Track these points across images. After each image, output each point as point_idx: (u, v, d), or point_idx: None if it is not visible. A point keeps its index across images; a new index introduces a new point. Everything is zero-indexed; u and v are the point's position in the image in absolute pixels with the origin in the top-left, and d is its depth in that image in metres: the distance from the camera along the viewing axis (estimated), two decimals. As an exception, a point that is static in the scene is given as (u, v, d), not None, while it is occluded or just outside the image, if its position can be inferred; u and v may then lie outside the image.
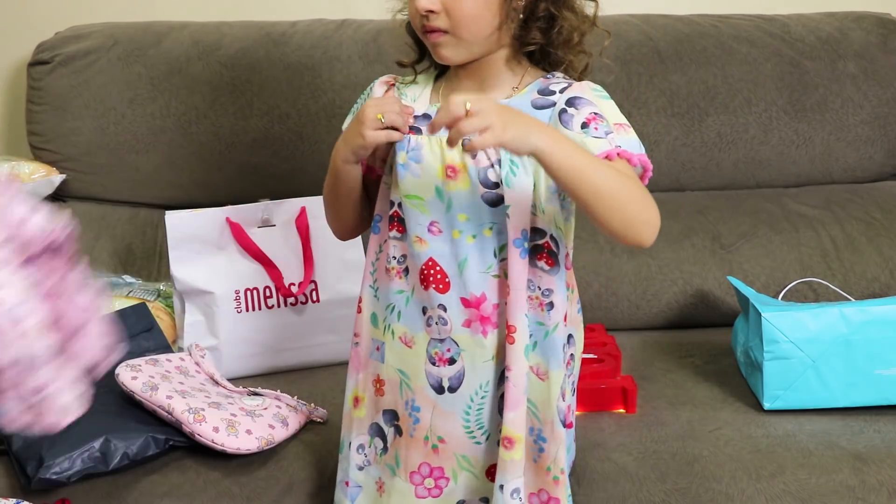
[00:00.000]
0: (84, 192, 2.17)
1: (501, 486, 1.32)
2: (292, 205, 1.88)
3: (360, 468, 1.42)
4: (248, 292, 1.83)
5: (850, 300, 1.94)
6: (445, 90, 1.38)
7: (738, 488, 1.51)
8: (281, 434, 1.55)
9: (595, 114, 1.29)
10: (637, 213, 1.26)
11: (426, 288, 1.34)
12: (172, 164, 2.13)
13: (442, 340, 1.35)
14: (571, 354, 1.39)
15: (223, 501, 1.51)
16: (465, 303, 1.33)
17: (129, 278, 1.97)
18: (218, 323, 1.81)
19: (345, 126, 1.42)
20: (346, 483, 1.43)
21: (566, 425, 1.37)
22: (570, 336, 1.38)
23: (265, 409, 1.59)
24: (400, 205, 1.36)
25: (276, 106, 2.11)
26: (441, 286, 1.34)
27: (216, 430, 1.50)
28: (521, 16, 1.30)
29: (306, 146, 2.11)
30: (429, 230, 1.34)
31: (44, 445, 1.46)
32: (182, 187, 2.14)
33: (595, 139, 1.26)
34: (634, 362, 1.84)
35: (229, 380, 1.70)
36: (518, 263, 1.30)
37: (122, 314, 1.79)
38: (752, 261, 2.05)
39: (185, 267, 1.81)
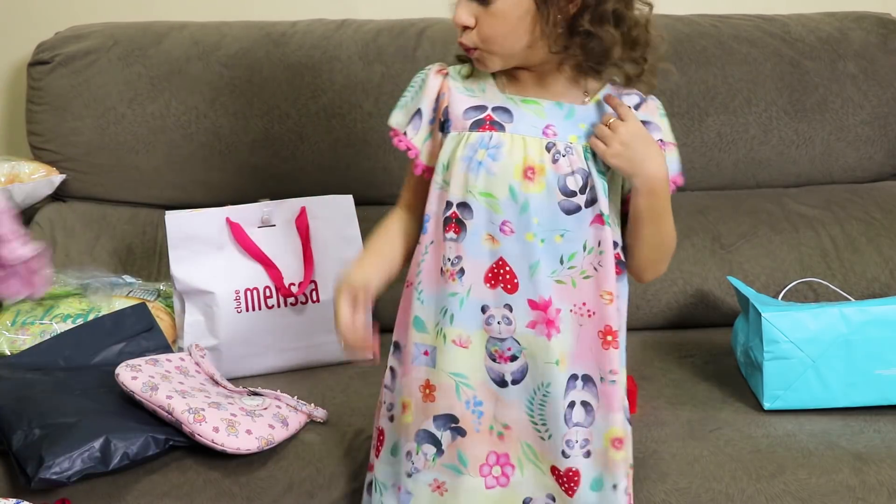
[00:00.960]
0: (84, 192, 2.17)
1: (615, 486, 1.35)
2: (292, 205, 1.88)
3: (409, 475, 1.39)
4: (248, 292, 1.83)
5: (850, 300, 1.94)
6: (510, 86, 1.36)
7: (738, 488, 1.51)
8: (281, 434, 1.55)
9: (661, 141, 1.35)
10: (664, 267, 1.41)
11: (493, 287, 1.33)
12: (172, 164, 2.13)
13: (503, 340, 1.34)
14: None
15: (223, 501, 1.51)
16: (533, 305, 1.32)
17: (129, 278, 1.97)
18: (218, 323, 1.81)
19: (391, 121, 1.41)
20: (398, 488, 1.41)
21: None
22: None
23: (265, 409, 1.59)
24: (460, 205, 1.34)
25: (276, 106, 2.11)
26: (510, 286, 1.33)
27: (216, 430, 1.50)
28: (561, 31, 1.28)
29: (306, 146, 2.11)
30: (501, 229, 1.33)
31: (44, 445, 1.46)
32: (182, 187, 2.14)
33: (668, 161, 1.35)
34: (634, 362, 1.83)
35: (229, 380, 1.70)
36: (613, 272, 1.34)
37: (122, 314, 1.79)
38: (752, 261, 2.05)
39: (185, 267, 1.81)
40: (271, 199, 1.90)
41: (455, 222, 1.34)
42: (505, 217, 1.32)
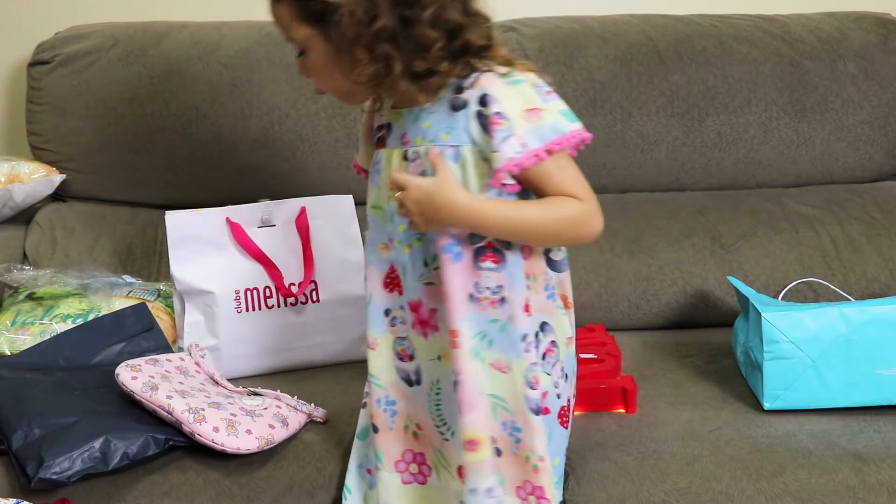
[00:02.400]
0: (84, 192, 2.17)
1: (474, 490, 1.34)
2: (292, 205, 1.88)
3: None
4: (248, 292, 1.83)
5: (850, 300, 1.94)
6: (395, 100, 1.41)
7: (738, 488, 1.51)
8: (281, 434, 1.55)
9: (497, 114, 1.29)
10: (572, 237, 1.35)
11: (391, 291, 1.42)
12: (172, 164, 2.13)
13: (403, 338, 1.43)
14: (553, 341, 1.40)
15: (223, 501, 1.51)
16: (410, 307, 1.41)
17: (129, 278, 1.97)
18: (218, 323, 1.81)
19: (357, 155, 1.51)
20: (368, 471, 1.48)
21: (541, 412, 1.37)
22: (543, 324, 1.39)
23: (265, 409, 1.59)
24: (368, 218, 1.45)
25: (276, 106, 2.11)
26: (399, 289, 1.41)
27: (216, 429, 1.50)
28: (364, 62, 1.30)
29: (306, 146, 2.11)
30: (389, 238, 1.41)
31: (44, 445, 1.46)
32: (182, 187, 2.14)
33: (494, 153, 1.29)
34: (634, 362, 1.84)
35: (229, 380, 1.70)
36: (451, 269, 1.34)
37: (122, 314, 1.79)
38: (752, 261, 2.05)
39: (185, 267, 1.81)
40: (271, 199, 1.90)
41: (362, 234, 1.46)
42: (389, 227, 1.40)
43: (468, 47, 1.30)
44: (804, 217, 2.11)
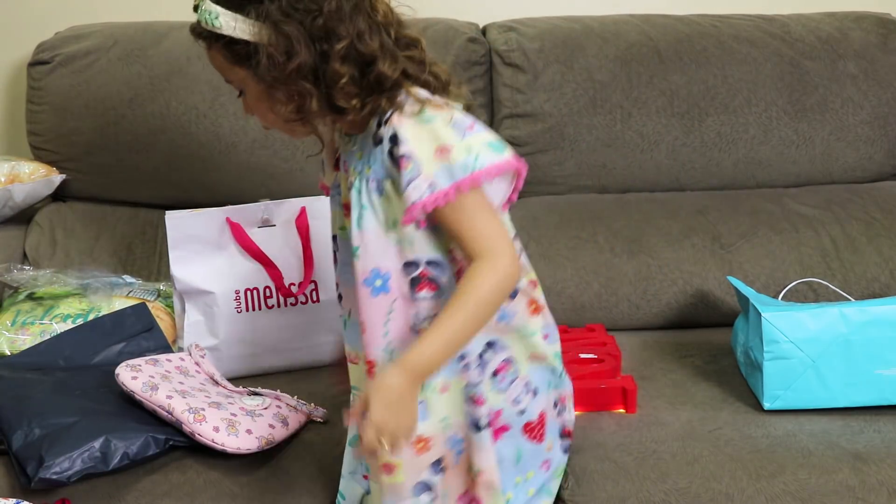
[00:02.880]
0: (84, 192, 2.17)
1: None
2: (292, 205, 1.88)
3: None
4: (248, 292, 1.83)
5: (850, 300, 1.94)
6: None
7: (738, 488, 1.51)
8: (281, 433, 1.55)
9: (404, 156, 1.27)
10: (501, 300, 1.31)
11: None
12: (172, 164, 2.13)
13: None
14: (506, 359, 1.37)
15: (223, 501, 1.51)
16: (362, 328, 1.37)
17: (129, 278, 1.97)
18: (218, 323, 1.81)
19: (322, 175, 1.50)
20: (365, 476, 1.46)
21: (486, 427, 1.36)
22: (488, 343, 1.36)
23: (265, 408, 1.59)
24: (334, 238, 1.44)
25: (276, 106, 2.11)
26: None
27: (216, 429, 1.50)
28: (285, 105, 1.31)
29: (306, 146, 2.08)
30: (353, 258, 1.37)
31: (44, 445, 1.47)
32: (182, 187, 2.14)
33: (403, 193, 1.27)
34: (634, 362, 1.84)
35: (229, 380, 1.70)
36: (370, 304, 1.32)
37: (122, 314, 1.80)
38: (752, 261, 2.05)
39: (185, 267, 1.81)
40: (271, 199, 1.90)
41: (335, 253, 1.44)
42: (349, 246, 1.37)
43: (381, 79, 1.29)
44: (804, 217, 2.11)
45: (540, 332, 1.40)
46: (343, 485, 1.48)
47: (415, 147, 1.27)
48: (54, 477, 1.44)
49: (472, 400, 1.36)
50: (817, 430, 1.61)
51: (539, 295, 1.41)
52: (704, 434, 1.61)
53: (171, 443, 1.53)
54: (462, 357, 1.35)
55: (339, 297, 1.44)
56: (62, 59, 2.13)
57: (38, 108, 2.15)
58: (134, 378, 1.56)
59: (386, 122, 1.30)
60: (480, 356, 1.36)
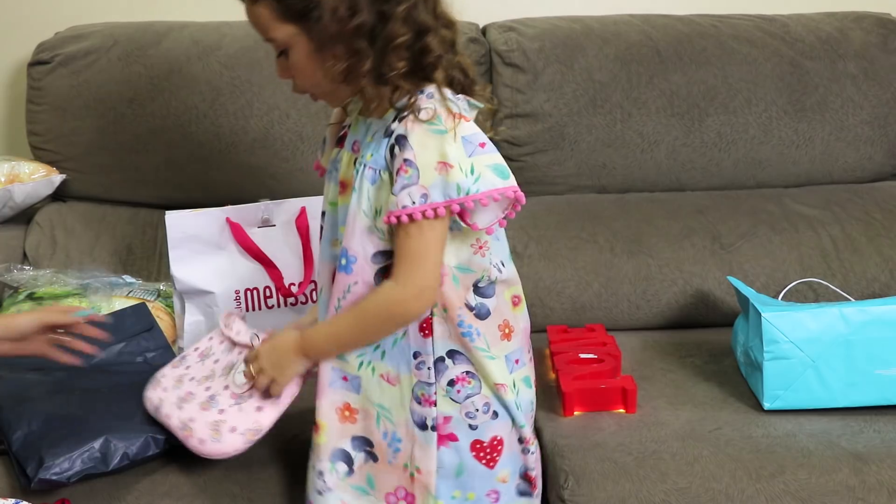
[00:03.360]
0: (84, 192, 2.17)
1: (312, 467, 1.45)
2: (292, 205, 1.88)
3: (320, 493, 1.44)
4: (248, 292, 1.83)
5: (850, 300, 1.94)
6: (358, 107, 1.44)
7: (738, 488, 1.51)
8: (271, 415, 1.49)
9: (406, 161, 1.29)
10: (391, 324, 1.37)
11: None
12: (172, 164, 2.13)
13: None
14: (468, 373, 1.38)
15: (223, 501, 1.51)
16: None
17: (129, 278, 1.97)
18: (218, 323, 1.81)
19: (319, 154, 1.53)
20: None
21: (432, 430, 1.38)
22: (451, 352, 1.38)
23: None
24: (322, 214, 1.47)
25: (276, 106, 2.11)
26: None
27: (202, 441, 1.48)
28: (343, 63, 1.31)
29: (306, 146, 2.11)
30: (338, 236, 1.41)
31: (44, 446, 1.47)
32: (182, 187, 2.14)
33: (392, 195, 1.31)
34: (634, 362, 1.84)
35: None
36: (337, 276, 1.39)
37: (122, 314, 1.79)
38: (752, 261, 2.05)
39: (185, 267, 1.81)
40: (271, 199, 1.90)
41: (321, 229, 1.47)
42: (337, 224, 1.41)
43: (427, 52, 1.30)
44: (804, 217, 2.11)
45: (503, 359, 1.40)
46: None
47: (418, 155, 1.29)
48: (54, 477, 1.44)
49: (423, 399, 1.38)
50: (817, 430, 1.61)
51: (518, 316, 1.42)
52: (704, 434, 1.61)
53: (171, 443, 1.53)
54: (416, 354, 1.37)
55: (317, 272, 1.50)
56: (62, 59, 2.13)
57: (38, 108, 2.15)
58: (149, 399, 1.55)
59: (401, 119, 1.31)
60: (438, 361, 1.38)
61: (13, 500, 1.43)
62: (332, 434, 1.42)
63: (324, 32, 1.28)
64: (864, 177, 2.23)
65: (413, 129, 1.30)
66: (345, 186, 1.39)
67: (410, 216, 1.29)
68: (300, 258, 1.86)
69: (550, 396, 1.71)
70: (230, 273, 1.82)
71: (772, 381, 1.65)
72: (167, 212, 1.82)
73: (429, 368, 1.37)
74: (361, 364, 1.40)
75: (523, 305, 1.44)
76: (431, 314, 1.37)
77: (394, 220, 1.30)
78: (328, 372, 1.42)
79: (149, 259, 2.07)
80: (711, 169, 2.19)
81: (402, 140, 1.30)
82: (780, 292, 2.00)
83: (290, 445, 1.59)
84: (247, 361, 1.46)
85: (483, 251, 1.38)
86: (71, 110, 2.13)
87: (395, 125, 1.32)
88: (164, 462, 1.54)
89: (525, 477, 1.46)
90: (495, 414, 1.41)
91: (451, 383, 1.38)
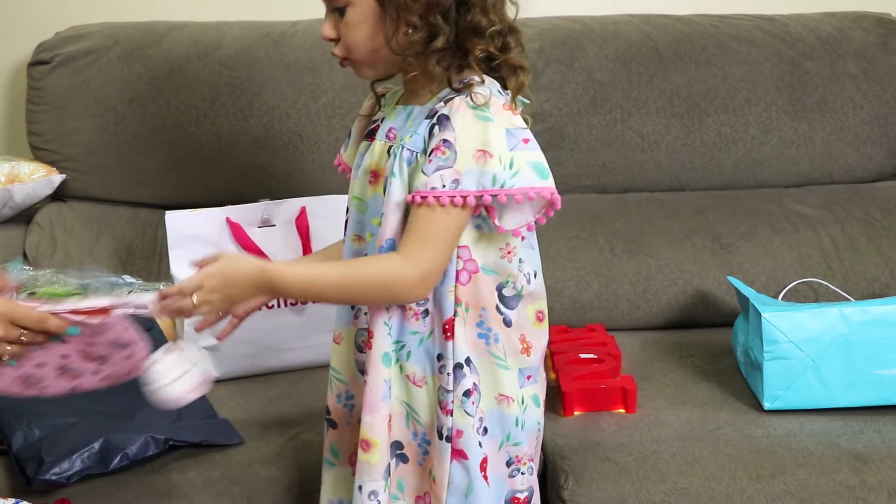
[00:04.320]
0: (84, 192, 2.17)
1: (360, 487, 1.35)
2: (292, 205, 1.88)
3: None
4: (248, 292, 1.83)
5: (850, 300, 1.94)
6: (400, 97, 1.40)
7: (738, 488, 1.51)
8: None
9: (444, 141, 1.26)
10: (380, 297, 1.31)
11: None
12: (172, 164, 2.13)
13: (365, 329, 1.38)
14: (476, 385, 1.33)
15: (223, 501, 1.51)
16: None
17: (129, 278, 1.96)
18: (218, 323, 1.81)
19: (342, 150, 1.48)
20: None
21: (444, 439, 1.33)
22: (468, 359, 1.33)
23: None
24: (349, 209, 1.42)
25: (276, 106, 2.11)
26: None
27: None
28: (409, 31, 1.28)
29: (306, 146, 2.11)
30: (364, 230, 1.38)
31: (44, 446, 1.47)
32: (182, 187, 2.14)
33: (422, 174, 1.26)
34: (634, 362, 1.84)
35: (230, 380, 1.70)
36: None
37: (122, 314, 1.79)
38: (752, 261, 2.05)
39: (185, 267, 1.81)
40: (271, 199, 1.90)
41: (346, 224, 1.41)
42: (365, 218, 1.37)
43: (507, 47, 1.31)
44: (804, 217, 2.11)
45: (517, 371, 1.35)
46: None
47: (459, 138, 1.26)
48: (54, 478, 1.44)
49: (443, 406, 1.33)
50: (817, 430, 1.61)
51: (539, 333, 1.37)
52: (704, 434, 1.61)
53: (170, 443, 1.53)
54: (440, 357, 1.33)
55: None
56: (62, 59, 2.13)
57: (38, 108, 2.15)
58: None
59: (447, 101, 1.28)
60: (456, 367, 1.33)
61: (13, 500, 1.43)
62: (384, 450, 1.35)
63: (398, 4, 1.27)
64: (864, 177, 2.23)
65: (459, 111, 1.27)
66: (376, 176, 1.35)
67: (438, 199, 1.25)
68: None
69: (550, 396, 1.70)
70: (230, 273, 1.82)
71: (772, 381, 1.65)
72: (167, 212, 1.82)
73: (448, 374, 1.32)
74: (391, 362, 1.34)
75: (546, 322, 1.39)
76: (455, 314, 1.32)
77: (419, 199, 1.26)
78: (381, 385, 1.33)
79: (149, 259, 2.07)
80: (711, 169, 2.19)
81: (444, 120, 1.27)
82: (780, 292, 2.00)
83: (290, 445, 1.59)
84: (185, 292, 1.31)
85: (510, 256, 1.33)
86: (71, 110, 2.13)
87: (439, 105, 1.29)
88: (164, 462, 1.54)
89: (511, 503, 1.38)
90: (485, 430, 1.35)
91: (467, 394, 1.32)
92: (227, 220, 1.84)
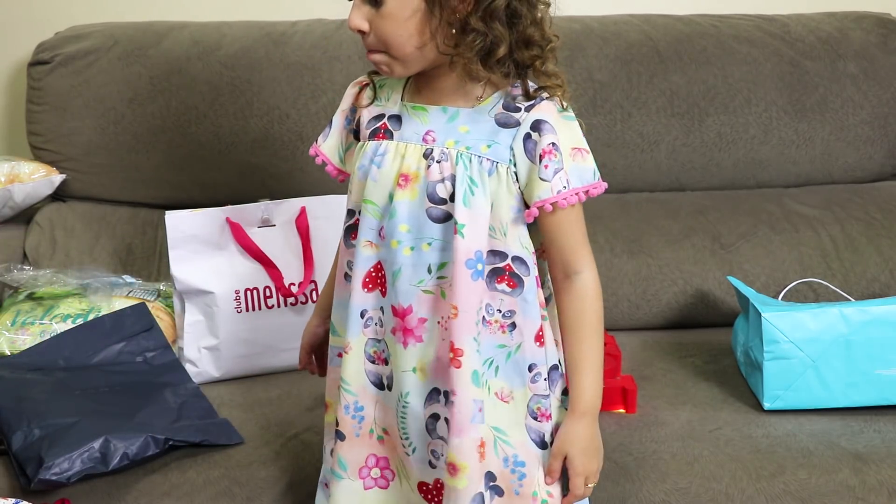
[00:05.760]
0: (84, 192, 2.17)
1: None
2: (292, 205, 1.88)
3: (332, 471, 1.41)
4: (248, 292, 1.83)
5: (850, 300, 1.94)
6: (409, 94, 1.34)
7: (738, 488, 1.51)
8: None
9: (553, 144, 1.25)
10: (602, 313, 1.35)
11: (370, 290, 1.32)
12: (172, 164, 2.13)
13: (379, 341, 1.33)
14: (563, 375, 1.34)
15: (223, 501, 1.51)
16: (394, 311, 1.30)
17: (129, 278, 1.97)
18: (218, 323, 1.81)
19: (321, 140, 1.41)
20: (326, 485, 1.42)
21: (549, 445, 1.31)
22: (560, 362, 1.34)
23: None
24: (359, 212, 1.33)
25: (276, 106, 2.11)
26: (383, 290, 1.32)
27: None
28: (454, 31, 1.24)
29: (306, 146, 2.11)
30: (379, 235, 1.31)
31: (44, 446, 1.47)
32: (182, 187, 2.14)
33: (542, 182, 1.25)
34: (634, 362, 1.84)
35: (229, 379, 1.70)
36: (468, 286, 1.26)
37: (122, 314, 1.80)
38: (752, 261, 2.05)
39: (185, 267, 1.81)
40: (271, 199, 1.90)
41: (355, 229, 1.33)
42: (381, 223, 1.31)
43: (553, 54, 1.31)
44: (804, 217, 2.11)
45: (519, 362, 1.32)
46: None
47: (561, 140, 1.26)
48: (54, 478, 1.44)
49: (538, 414, 1.31)
50: (817, 430, 1.61)
51: (547, 321, 1.35)
52: (704, 434, 1.61)
53: (170, 443, 1.53)
54: (531, 367, 1.30)
55: (347, 276, 1.36)
56: (62, 59, 2.13)
57: (38, 108, 2.15)
58: None
59: (529, 108, 1.27)
60: (552, 369, 1.32)
61: (13, 500, 1.43)
62: (473, 476, 1.28)
63: (448, 2, 1.22)
64: (864, 177, 2.23)
65: (552, 113, 1.27)
66: (407, 180, 1.28)
67: (577, 196, 1.26)
68: (300, 258, 1.86)
69: (550, 396, 1.71)
70: (230, 273, 1.82)
71: (772, 381, 1.65)
72: (167, 212, 1.82)
73: (545, 379, 1.30)
74: (479, 381, 1.28)
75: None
76: (543, 318, 1.31)
77: (566, 202, 1.25)
78: (470, 406, 1.27)
79: (149, 259, 2.08)
80: (711, 169, 2.19)
81: (542, 125, 1.25)
82: (780, 292, 2.00)
83: (290, 445, 1.59)
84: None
85: (544, 255, 1.33)
86: (71, 110, 2.13)
87: (521, 115, 1.26)
88: (164, 462, 1.54)
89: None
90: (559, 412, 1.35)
91: (565, 392, 1.32)
92: (227, 220, 1.84)
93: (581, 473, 1.30)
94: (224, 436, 1.59)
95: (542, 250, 1.33)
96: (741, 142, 2.17)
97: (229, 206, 1.86)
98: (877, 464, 1.53)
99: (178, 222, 1.81)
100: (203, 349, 1.81)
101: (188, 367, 1.79)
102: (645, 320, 2.03)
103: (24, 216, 2.15)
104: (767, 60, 2.18)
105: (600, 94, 2.14)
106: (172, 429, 1.55)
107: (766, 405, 1.66)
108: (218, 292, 1.81)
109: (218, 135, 2.11)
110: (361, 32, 1.26)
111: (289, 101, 2.11)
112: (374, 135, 1.33)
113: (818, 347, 1.63)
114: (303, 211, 1.87)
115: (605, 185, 1.30)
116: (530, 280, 1.29)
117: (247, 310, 1.83)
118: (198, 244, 1.81)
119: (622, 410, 1.68)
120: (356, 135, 1.37)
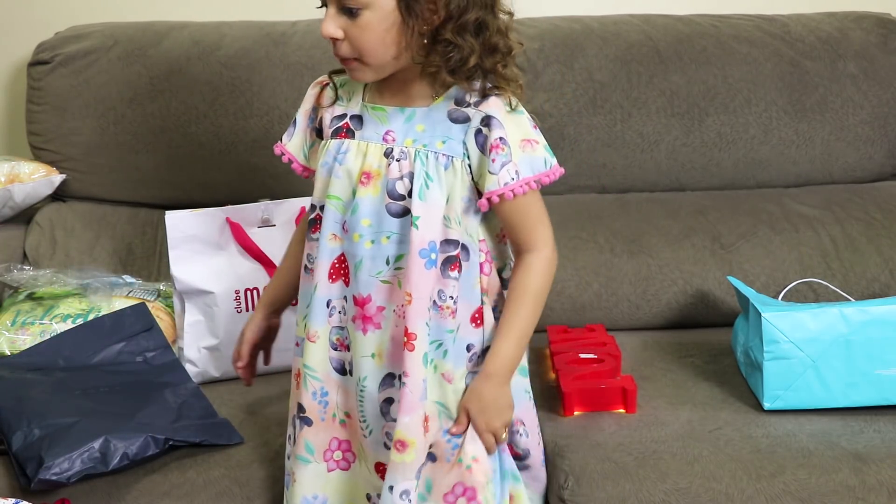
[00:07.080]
0: (84, 192, 2.17)
1: (391, 487, 1.37)
2: (292, 205, 1.88)
3: (288, 458, 1.49)
4: (248, 292, 1.83)
5: (850, 300, 1.94)
6: (369, 94, 1.42)
7: (738, 488, 1.51)
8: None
9: (500, 139, 1.33)
10: (549, 288, 1.42)
11: (334, 280, 1.41)
12: (172, 164, 2.13)
13: (342, 328, 1.42)
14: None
15: (223, 501, 1.51)
16: (355, 300, 1.40)
17: (129, 278, 1.97)
18: (218, 323, 1.81)
19: (286, 139, 1.50)
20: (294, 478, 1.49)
21: None
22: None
23: None
24: (320, 207, 1.41)
25: (276, 106, 2.11)
26: (346, 280, 1.41)
27: None
28: (426, 41, 1.32)
29: (306, 146, 2.11)
30: (343, 228, 1.40)
31: (43, 446, 1.47)
32: (182, 187, 2.14)
33: (490, 175, 1.34)
34: (634, 362, 1.84)
35: (229, 379, 1.70)
36: (422, 274, 1.36)
37: (122, 314, 1.79)
38: (752, 261, 2.05)
39: (185, 267, 1.81)
40: (271, 199, 1.90)
41: (318, 223, 1.42)
42: (345, 217, 1.39)
43: (511, 58, 1.37)
44: (804, 217, 2.11)
45: (459, 343, 1.41)
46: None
47: (509, 134, 1.33)
48: (54, 478, 1.44)
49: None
50: (817, 430, 1.61)
51: (488, 305, 1.43)
52: (704, 434, 1.61)
53: (170, 443, 1.53)
54: (469, 347, 1.40)
55: (306, 269, 1.45)
56: (62, 59, 2.13)
57: (38, 108, 2.15)
58: None
59: (478, 104, 1.34)
60: (485, 350, 1.42)
61: (13, 500, 1.43)
62: (419, 450, 1.38)
63: (421, 13, 1.29)
64: (864, 177, 2.23)
65: (500, 108, 1.34)
66: (369, 177, 1.38)
67: (528, 185, 1.34)
68: (300, 258, 1.86)
69: (550, 396, 1.71)
70: (230, 273, 1.83)
71: (772, 381, 1.65)
72: (167, 212, 1.82)
73: (478, 357, 1.41)
74: (428, 363, 1.38)
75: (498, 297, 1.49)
76: (482, 302, 1.40)
77: (517, 192, 1.33)
78: (420, 386, 1.37)
79: (149, 259, 2.08)
80: (711, 169, 2.19)
81: (491, 120, 1.33)
82: (780, 292, 2.00)
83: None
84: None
85: (505, 240, 1.44)
86: (71, 110, 2.13)
87: (471, 111, 1.34)
88: (164, 462, 1.54)
89: None
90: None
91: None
92: (227, 220, 1.84)
93: (484, 430, 1.39)
94: (224, 436, 1.59)
95: (503, 235, 1.43)
96: (741, 142, 2.17)
97: (229, 206, 1.86)
98: (877, 464, 1.53)
99: (178, 222, 1.81)
100: (203, 349, 1.81)
101: (188, 367, 1.79)
102: (645, 320, 2.03)
103: (24, 216, 2.15)
104: (767, 60, 2.18)
105: (600, 94, 2.14)
106: (172, 429, 1.55)
107: (766, 405, 1.66)
108: (218, 292, 1.81)
109: (218, 135, 2.12)
110: (334, 40, 1.34)
111: (289, 101, 2.11)
112: (336, 133, 1.42)
113: (818, 347, 1.63)
114: (303, 211, 1.87)
115: (560, 170, 1.38)
116: (469, 265, 1.39)
117: (247, 310, 1.83)
118: (198, 244, 1.82)
119: (622, 410, 1.68)
120: (319, 133, 1.46)
